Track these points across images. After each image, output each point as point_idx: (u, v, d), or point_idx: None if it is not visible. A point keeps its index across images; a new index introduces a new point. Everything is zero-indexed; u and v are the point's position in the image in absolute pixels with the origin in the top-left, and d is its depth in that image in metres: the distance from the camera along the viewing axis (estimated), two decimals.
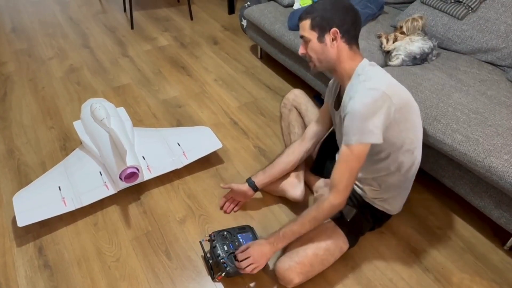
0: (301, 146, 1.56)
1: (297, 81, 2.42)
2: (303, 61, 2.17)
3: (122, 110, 1.96)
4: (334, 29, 1.21)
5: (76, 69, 2.59)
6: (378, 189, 1.38)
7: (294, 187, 1.61)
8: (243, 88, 2.42)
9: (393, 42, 2.01)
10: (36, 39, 2.91)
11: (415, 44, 1.91)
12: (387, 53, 1.99)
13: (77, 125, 1.86)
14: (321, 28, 1.23)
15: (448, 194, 1.75)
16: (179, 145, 1.84)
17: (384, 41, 2.04)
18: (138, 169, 1.64)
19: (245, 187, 1.58)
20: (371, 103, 1.14)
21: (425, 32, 1.99)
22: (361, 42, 2.05)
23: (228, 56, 2.73)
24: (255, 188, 1.58)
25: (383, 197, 1.40)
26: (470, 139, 1.44)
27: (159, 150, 1.81)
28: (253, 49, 2.81)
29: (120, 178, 1.62)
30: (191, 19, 3.19)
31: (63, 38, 2.94)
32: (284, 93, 2.40)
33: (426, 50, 1.89)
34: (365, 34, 2.12)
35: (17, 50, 2.77)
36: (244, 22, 2.96)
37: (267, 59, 2.68)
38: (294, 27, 2.17)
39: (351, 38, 1.24)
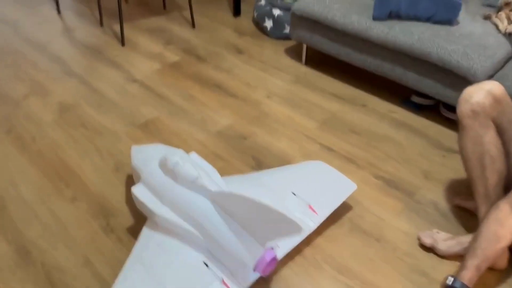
0: None
1: (372, 85, 1.96)
2: (398, 57, 1.69)
3: (194, 156, 1.32)
4: None
5: (71, 106, 1.86)
6: None
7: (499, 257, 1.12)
8: (308, 102, 1.89)
9: (509, 23, 1.65)
10: None
11: None
12: (510, 35, 1.62)
13: (140, 191, 1.20)
14: None
15: None
16: (294, 195, 1.27)
17: (499, 22, 1.66)
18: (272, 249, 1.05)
19: None
20: None
21: None
22: (476, 25, 1.65)
23: (264, 65, 2.18)
24: None
25: None
26: None
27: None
28: (290, 52, 2.29)
29: (254, 269, 1.01)
30: (193, 26, 2.57)
31: (32, 67, 2.15)
32: (362, 102, 1.90)
33: None
34: (469, 16, 1.72)
35: None
36: (268, 23, 2.43)
37: (314, 63, 2.17)
38: (383, 16, 1.70)
39: None
